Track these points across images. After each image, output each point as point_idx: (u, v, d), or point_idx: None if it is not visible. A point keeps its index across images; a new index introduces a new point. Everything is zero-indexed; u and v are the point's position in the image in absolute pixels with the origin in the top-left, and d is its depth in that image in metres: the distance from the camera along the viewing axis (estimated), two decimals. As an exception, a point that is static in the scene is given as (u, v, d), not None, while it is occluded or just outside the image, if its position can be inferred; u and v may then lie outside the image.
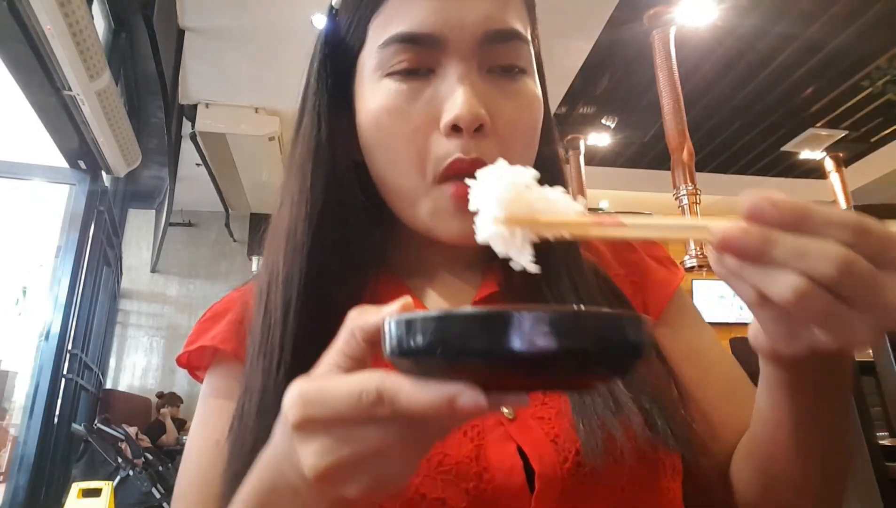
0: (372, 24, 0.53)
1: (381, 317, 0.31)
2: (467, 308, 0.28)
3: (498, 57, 0.52)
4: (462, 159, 0.49)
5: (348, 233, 0.55)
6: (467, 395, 0.27)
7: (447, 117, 0.49)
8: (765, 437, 0.48)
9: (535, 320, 0.26)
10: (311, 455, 0.30)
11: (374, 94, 0.52)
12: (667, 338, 0.59)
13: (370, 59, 0.53)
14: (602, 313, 0.29)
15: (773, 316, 0.33)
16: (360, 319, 0.32)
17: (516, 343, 0.26)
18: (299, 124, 0.57)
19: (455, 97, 0.49)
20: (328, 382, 0.30)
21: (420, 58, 0.51)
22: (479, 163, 0.48)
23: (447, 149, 0.50)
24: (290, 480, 0.33)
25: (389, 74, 0.51)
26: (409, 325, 0.28)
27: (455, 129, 0.49)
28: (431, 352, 0.28)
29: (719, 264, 0.33)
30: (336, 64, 0.56)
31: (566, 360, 0.27)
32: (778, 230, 0.30)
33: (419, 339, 0.28)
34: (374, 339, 0.31)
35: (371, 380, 0.29)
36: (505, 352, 0.26)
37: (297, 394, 0.30)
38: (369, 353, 0.32)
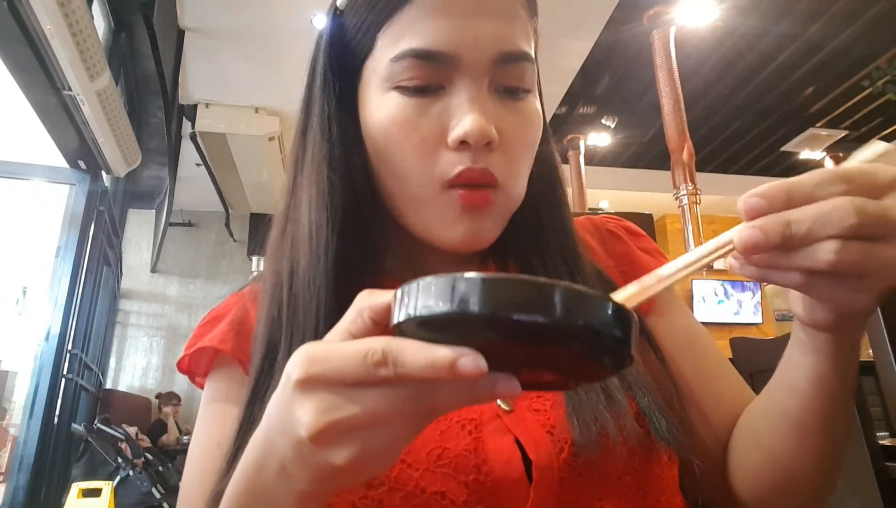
0: (382, 32, 0.52)
1: (392, 295, 0.31)
2: (470, 273, 0.28)
3: (507, 77, 0.52)
4: (472, 169, 0.50)
5: (359, 238, 0.54)
6: (469, 358, 0.27)
7: (457, 133, 0.49)
8: (794, 411, 0.46)
9: (548, 289, 0.26)
10: (309, 412, 0.30)
11: (382, 104, 0.52)
12: (660, 327, 0.60)
13: (379, 69, 0.52)
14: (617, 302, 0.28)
15: (825, 284, 0.34)
16: (369, 299, 0.32)
17: (519, 309, 0.26)
18: (305, 126, 0.57)
19: (465, 115, 0.49)
20: (335, 344, 0.31)
21: (432, 74, 0.50)
22: (488, 174, 0.50)
23: (455, 160, 0.50)
24: (278, 452, 0.33)
25: (398, 88, 0.51)
26: (419, 289, 0.29)
27: (463, 143, 0.50)
28: (436, 312, 0.28)
29: (748, 267, 0.34)
30: (340, 67, 0.56)
31: (565, 337, 0.27)
32: (786, 211, 0.32)
33: (426, 301, 0.28)
34: (381, 319, 0.32)
35: (378, 341, 0.29)
36: (505, 317, 0.26)
37: (304, 353, 0.31)
38: (375, 334, 0.32)
